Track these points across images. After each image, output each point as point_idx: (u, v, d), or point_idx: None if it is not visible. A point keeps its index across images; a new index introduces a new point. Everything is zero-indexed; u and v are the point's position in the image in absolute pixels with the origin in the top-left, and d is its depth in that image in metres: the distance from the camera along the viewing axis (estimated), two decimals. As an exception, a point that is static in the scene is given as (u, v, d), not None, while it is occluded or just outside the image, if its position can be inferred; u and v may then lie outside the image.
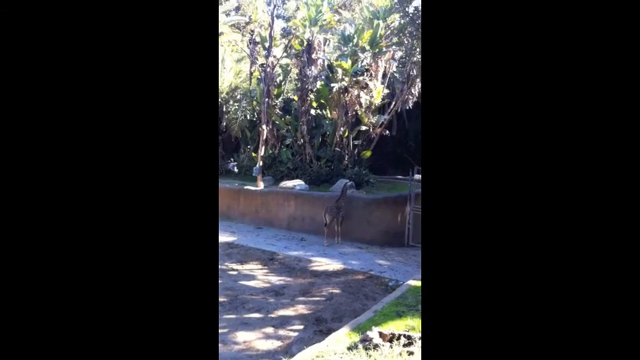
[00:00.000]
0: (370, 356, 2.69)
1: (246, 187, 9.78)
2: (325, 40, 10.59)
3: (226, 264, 6.40)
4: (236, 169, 10.15)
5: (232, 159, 10.32)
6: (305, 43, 10.11)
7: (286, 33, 14.44)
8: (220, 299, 4.89)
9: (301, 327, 4.15)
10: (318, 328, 4.09)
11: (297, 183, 9.41)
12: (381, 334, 2.94)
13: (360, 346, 2.85)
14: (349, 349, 2.88)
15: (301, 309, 4.63)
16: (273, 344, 3.80)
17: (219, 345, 3.74)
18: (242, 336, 3.94)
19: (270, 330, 4.08)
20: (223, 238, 8.06)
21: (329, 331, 3.68)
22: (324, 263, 6.38)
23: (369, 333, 2.98)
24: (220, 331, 4.05)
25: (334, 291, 5.16)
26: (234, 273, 5.99)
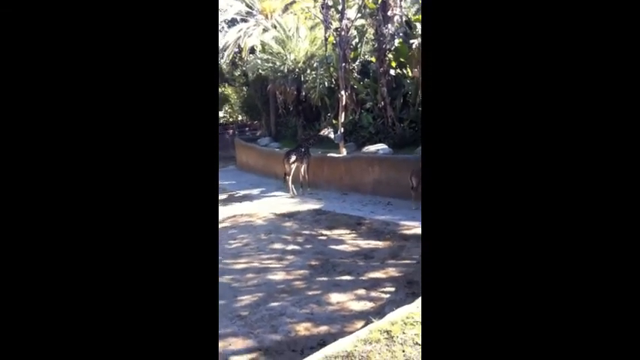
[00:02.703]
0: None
1: (329, 155, 9.85)
2: (401, -7, 10.00)
3: (315, 230, 6.58)
4: (332, 135, 9.96)
5: (328, 128, 10.22)
6: (379, 0, 9.64)
7: (359, -8, 13.91)
8: (312, 263, 5.07)
9: (393, 289, 4.14)
10: (410, 290, 4.04)
11: (380, 147, 9.24)
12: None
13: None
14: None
15: (392, 272, 4.62)
16: (365, 305, 3.85)
17: (314, 306, 3.89)
18: (335, 297, 4.04)
19: (362, 292, 4.14)
20: (310, 205, 8.28)
21: (422, 293, 3.61)
22: (413, 227, 6.26)
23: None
24: (314, 292, 4.20)
25: (425, 253, 5.05)
26: (324, 238, 6.14)
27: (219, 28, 17.02)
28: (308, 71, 11.99)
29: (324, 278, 4.57)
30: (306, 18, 13.20)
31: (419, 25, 9.43)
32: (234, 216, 7.92)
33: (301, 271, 4.84)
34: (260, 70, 12.68)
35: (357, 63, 11.10)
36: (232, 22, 16.04)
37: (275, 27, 13.10)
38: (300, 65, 12.03)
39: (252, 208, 8.47)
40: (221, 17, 16.66)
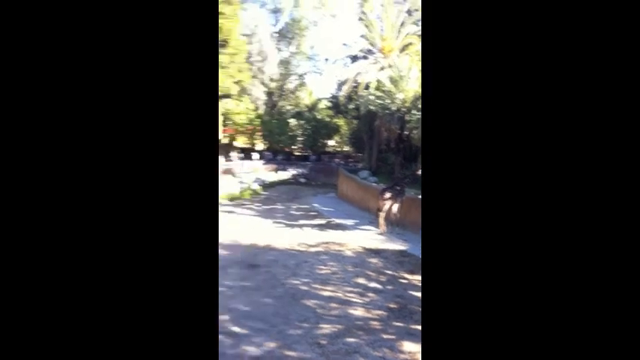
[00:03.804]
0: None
1: (419, 197, 10.00)
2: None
3: (398, 271, 6.80)
4: None
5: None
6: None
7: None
8: (391, 305, 5.29)
9: (464, 349, 4.26)
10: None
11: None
12: None
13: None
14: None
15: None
16: (434, 360, 4.03)
17: (387, 350, 4.19)
18: (408, 346, 4.23)
19: (433, 346, 4.32)
20: (397, 245, 8.56)
21: None
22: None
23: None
24: (388, 336, 4.49)
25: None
26: (405, 282, 6.32)
27: (344, 63, 18.30)
28: (413, 111, 12.36)
29: (400, 324, 4.77)
30: (419, 60, 13.66)
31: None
32: (327, 243, 8.52)
33: (379, 312, 5.10)
34: (371, 106, 13.39)
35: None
36: (354, 58, 17.14)
37: (391, 66, 13.73)
38: (407, 105, 12.47)
39: (344, 238, 9.01)
40: (346, 52, 17.92)
